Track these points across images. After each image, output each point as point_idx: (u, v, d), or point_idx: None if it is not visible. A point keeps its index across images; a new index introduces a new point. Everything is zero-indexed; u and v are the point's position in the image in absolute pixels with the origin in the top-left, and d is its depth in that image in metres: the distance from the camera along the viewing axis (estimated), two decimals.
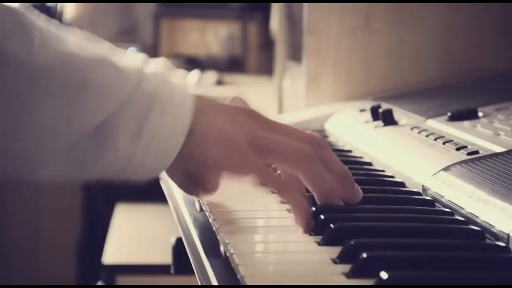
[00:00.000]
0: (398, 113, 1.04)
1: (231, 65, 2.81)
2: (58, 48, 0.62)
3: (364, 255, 0.56)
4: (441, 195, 0.74)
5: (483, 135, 0.86)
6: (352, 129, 1.08)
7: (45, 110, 0.62)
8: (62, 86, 0.61)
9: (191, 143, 0.66)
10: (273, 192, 0.77)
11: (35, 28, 0.64)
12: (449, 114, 0.96)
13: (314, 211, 0.68)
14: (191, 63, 2.72)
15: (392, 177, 0.85)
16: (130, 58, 0.67)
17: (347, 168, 0.71)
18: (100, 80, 0.63)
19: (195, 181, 0.74)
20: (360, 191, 0.72)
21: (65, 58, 0.62)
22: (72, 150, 0.63)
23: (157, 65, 0.68)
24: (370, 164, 0.92)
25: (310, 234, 0.66)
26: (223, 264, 0.63)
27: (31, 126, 0.62)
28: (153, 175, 0.67)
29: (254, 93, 2.34)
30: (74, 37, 0.65)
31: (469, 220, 0.68)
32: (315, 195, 0.70)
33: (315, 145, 0.70)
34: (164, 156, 0.66)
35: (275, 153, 0.68)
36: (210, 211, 0.71)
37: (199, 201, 0.78)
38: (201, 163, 0.68)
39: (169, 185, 0.87)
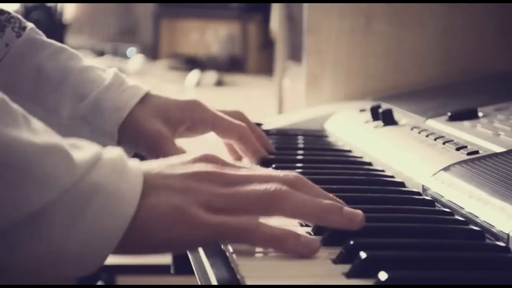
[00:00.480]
0: (398, 113, 1.05)
1: (231, 65, 2.82)
2: (6, 132, 0.59)
3: (364, 255, 0.56)
4: (441, 195, 0.74)
5: (483, 135, 0.86)
6: (352, 129, 1.08)
7: None
8: (2, 172, 0.58)
9: (136, 231, 0.61)
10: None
11: None
12: (449, 114, 0.96)
13: None
14: (191, 63, 2.73)
15: (392, 177, 0.85)
16: (88, 147, 0.63)
17: (331, 196, 0.66)
18: (43, 168, 0.59)
19: None
20: (356, 213, 0.64)
21: (11, 142, 0.59)
22: (3, 235, 0.60)
23: (116, 152, 0.64)
24: (370, 164, 0.92)
25: (310, 234, 0.66)
26: (223, 264, 0.63)
27: None
28: (91, 271, 0.63)
29: (254, 93, 2.35)
30: (35, 122, 0.62)
31: (469, 220, 0.68)
32: (318, 223, 0.66)
33: (290, 184, 0.64)
34: (99, 254, 0.61)
35: (238, 209, 0.63)
36: None
37: None
38: (152, 248, 0.63)
39: None
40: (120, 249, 0.62)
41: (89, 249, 0.61)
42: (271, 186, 0.63)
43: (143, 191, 0.62)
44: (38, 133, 0.61)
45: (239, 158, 0.94)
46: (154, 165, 0.65)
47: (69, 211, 0.60)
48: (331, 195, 0.66)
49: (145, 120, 0.89)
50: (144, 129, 0.89)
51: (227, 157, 0.88)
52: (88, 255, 0.61)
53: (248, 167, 0.67)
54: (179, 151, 0.88)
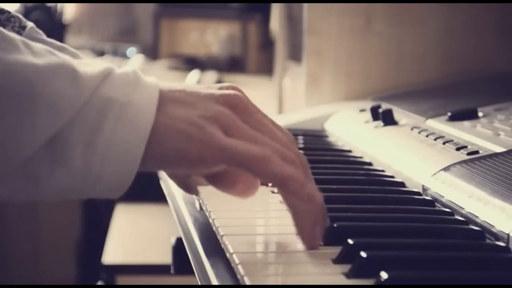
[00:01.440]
0: (398, 113, 1.05)
1: (231, 65, 2.81)
2: (8, 58, 0.58)
3: (364, 255, 0.56)
4: (441, 195, 0.74)
5: (483, 135, 0.86)
6: (352, 129, 1.08)
7: None
8: (8, 100, 0.57)
9: (151, 141, 0.60)
10: (273, 192, 0.78)
11: None
12: (449, 114, 0.96)
13: None
14: (191, 63, 2.72)
15: (392, 177, 0.85)
16: (97, 63, 0.62)
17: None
18: (51, 90, 0.58)
19: (186, 180, 0.70)
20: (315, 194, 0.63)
21: (14, 68, 0.57)
22: (25, 166, 0.58)
23: (129, 67, 0.63)
24: (370, 164, 0.92)
25: None
26: (223, 264, 0.63)
27: None
28: (120, 190, 0.61)
29: (254, 93, 2.34)
30: (37, 45, 0.60)
31: (469, 220, 0.68)
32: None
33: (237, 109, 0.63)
34: (124, 169, 0.59)
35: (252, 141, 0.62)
36: (210, 211, 0.71)
37: (199, 201, 0.78)
38: (161, 160, 0.61)
39: (169, 185, 0.87)
40: (143, 163, 0.60)
41: (114, 165, 0.59)
42: (288, 153, 0.62)
43: (161, 103, 0.60)
44: (41, 55, 0.59)
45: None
46: (167, 83, 0.64)
47: (85, 130, 0.58)
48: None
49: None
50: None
51: None
52: (114, 172, 0.59)
53: (262, 123, 0.65)
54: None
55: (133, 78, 0.61)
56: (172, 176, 0.72)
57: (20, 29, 0.93)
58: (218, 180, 0.68)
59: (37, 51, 0.60)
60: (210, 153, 0.60)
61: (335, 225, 0.64)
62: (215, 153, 0.60)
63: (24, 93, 0.57)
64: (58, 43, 0.97)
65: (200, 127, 0.60)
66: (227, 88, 0.65)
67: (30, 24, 0.95)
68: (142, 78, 0.62)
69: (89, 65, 0.61)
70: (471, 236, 0.65)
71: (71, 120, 0.58)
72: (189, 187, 0.72)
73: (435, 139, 0.89)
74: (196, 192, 0.73)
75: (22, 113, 0.57)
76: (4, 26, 0.92)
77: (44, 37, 0.96)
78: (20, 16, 0.95)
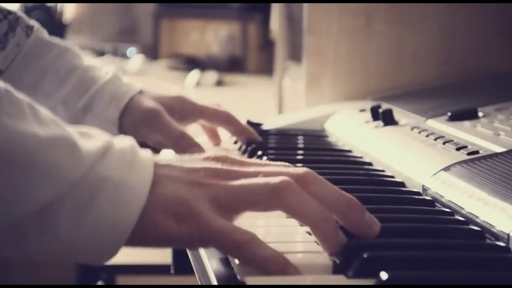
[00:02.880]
0: (398, 113, 1.05)
1: (231, 65, 2.81)
2: (10, 126, 0.58)
3: (364, 255, 0.56)
4: (441, 195, 0.74)
5: (483, 135, 0.86)
6: (352, 129, 1.08)
7: None
8: (5, 166, 0.57)
9: (143, 223, 0.61)
10: None
11: None
12: (449, 114, 0.96)
13: None
14: (191, 63, 2.72)
15: (392, 177, 0.85)
16: (100, 136, 0.62)
17: (350, 197, 0.64)
18: (49, 162, 0.58)
19: None
20: (376, 221, 0.63)
21: (15, 137, 0.58)
22: (12, 230, 0.59)
23: (126, 142, 0.63)
24: (370, 164, 0.92)
25: (310, 234, 0.66)
26: (223, 264, 0.63)
27: None
28: (102, 262, 0.62)
29: (254, 93, 2.35)
30: (42, 112, 0.61)
31: (469, 220, 0.68)
32: (309, 227, 0.63)
33: (298, 181, 0.63)
34: (111, 246, 0.60)
35: (243, 203, 0.62)
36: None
37: None
38: (151, 238, 0.62)
39: None
40: (128, 242, 0.61)
41: (100, 241, 0.60)
42: (276, 179, 0.62)
43: (154, 183, 0.61)
44: (45, 124, 0.60)
45: (218, 144, 1.04)
46: (165, 158, 0.66)
47: (76, 205, 0.59)
48: (347, 194, 0.64)
49: (143, 102, 0.98)
50: (142, 108, 0.97)
51: (208, 145, 1.01)
52: (99, 247, 0.60)
53: (259, 163, 0.66)
54: (175, 122, 0.96)
55: (130, 156, 0.62)
56: None
57: (28, 29, 0.96)
58: None
59: (42, 119, 0.60)
60: (198, 235, 0.61)
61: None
62: (203, 235, 0.60)
63: (22, 161, 0.58)
64: (63, 43, 0.99)
65: (189, 206, 0.61)
66: (210, 157, 0.66)
67: (36, 25, 0.97)
68: (138, 155, 0.62)
69: (89, 137, 0.61)
70: (471, 236, 0.65)
71: (63, 194, 0.59)
72: None
73: (435, 139, 0.89)
74: None
75: (16, 181, 0.58)
76: (14, 27, 0.94)
77: (49, 37, 0.98)
78: (24, 15, 0.97)
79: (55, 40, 1.00)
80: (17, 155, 0.58)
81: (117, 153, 0.61)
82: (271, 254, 0.59)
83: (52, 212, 0.59)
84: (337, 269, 0.58)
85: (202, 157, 0.66)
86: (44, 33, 1.00)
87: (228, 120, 1.02)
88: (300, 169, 0.64)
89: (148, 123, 0.96)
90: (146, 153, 0.63)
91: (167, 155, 0.65)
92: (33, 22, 0.98)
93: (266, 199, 0.62)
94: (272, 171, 0.64)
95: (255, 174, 0.63)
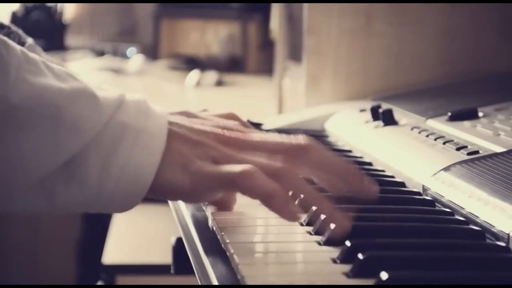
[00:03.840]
0: (398, 113, 1.05)
1: (231, 65, 2.81)
2: (34, 82, 0.61)
3: (364, 255, 0.56)
4: (441, 195, 0.74)
5: (483, 135, 0.86)
6: (352, 129, 1.08)
7: (16, 144, 0.61)
8: (34, 121, 0.60)
9: (160, 171, 0.64)
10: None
11: (12, 60, 0.62)
12: (449, 114, 0.96)
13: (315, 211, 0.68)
14: (191, 63, 2.72)
15: (392, 177, 0.85)
16: (111, 89, 0.66)
17: (348, 164, 0.69)
18: (74, 113, 0.61)
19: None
20: (374, 185, 0.70)
21: (41, 91, 0.61)
22: (43, 182, 0.62)
23: (137, 95, 0.67)
24: (370, 164, 0.92)
25: (310, 234, 0.66)
26: (223, 264, 0.63)
27: (2, 161, 0.61)
28: (130, 207, 0.65)
29: (254, 93, 2.34)
30: (56, 67, 0.64)
31: (469, 220, 0.68)
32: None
33: (299, 152, 0.67)
34: (136, 189, 0.64)
35: None
36: (210, 212, 0.71)
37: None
38: (159, 189, 0.65)
39: None
40: (151, 189, 0.64)
41: (127, 187, 0.63)
42: (274, 164, 0.65)
43: (168, 134, 0.65)
44: (63, 78, 0.63)
45: None
46: (174, 115, 0.68)
47: (102, 152, 0.62)
48: (345, 161, 0.69)
49: None
50: None
51: None
52: (126, 193, 0.63)
53: (260, 133, 0.71)
54: None
55: (144, 106, 0.65)
56: None
57: (20, 45, 0.93)
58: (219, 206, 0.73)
59: (59, 74, 0.63)
60: (198, 182, 0.65)
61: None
62: (202, 180, 0.64)
63: (50, 115, 0.61)
64: (40, 60, 0.97)
65: (191, 161, 0.65)
66: (226, 116, 0.72)
67: (29, 41, 0.96)
68: (151, 107, 0.66)
69: (103, 90, 0.64)
70: (471, 236, 0.65)
71: (89, 143, 0.61)
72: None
73: (435, 139, 0.89)
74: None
75: (46, 133, 0.60)
76: None
77: (43, 54, 0.97)
78: (20, 31, 0.95)
79: (49, 58, 0.98)
80: (46, 109, 0.61)
81: (132, 103, 0.65)
82: (273, 189, 0.63)
83: (79, 161, 0.61)
84: (338, 268, 0.58)
85: (214, 114, 0.70)
86: (37, 51, 0.97)
87: None
88: (300, 139, 0.68)
89: None
90: (158, 107, 0.66)
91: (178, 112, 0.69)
92: (28, 40, 0.96)
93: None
94: (273, 144, 0.68)
95: (257, 146, 0.68)
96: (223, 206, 0.72)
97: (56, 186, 0.62)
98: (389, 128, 1.01)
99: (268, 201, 0.64)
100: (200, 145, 0.66)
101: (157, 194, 0.66)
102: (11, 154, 0.61)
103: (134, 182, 0.63)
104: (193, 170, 0.65)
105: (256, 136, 0.69)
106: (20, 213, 0.65)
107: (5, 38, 0.63)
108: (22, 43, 0.93)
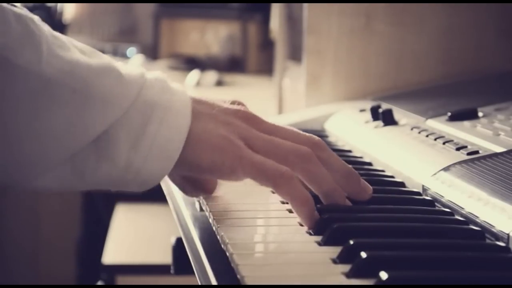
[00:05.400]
0: (398, 113, 1.04)
1: (231, 65, 2.81)
2: (65, 57, 0.62)
3: (364, 255, 0.56)
4: (441, 195, 0.74)
5: (483, 135, 0.86)
6: (352, 129, 1.08)
7: (49, 119, 0.61)
8: (67, 96, 0.61)
9: (187, 149, 0.66)
10: (273, 192, 0.78)
11: (43, 36, 0.63)
12: (449, 114, 0.96)
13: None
14: (191, 63, 2.72)
15: (392, 177, 0.85)
16: (131, 65, 0.67)
17: (349, 166, 0.71)
18: (104, 89, 0.63)
19: (194, 183, 0.74)
20: (369, 186, 0.72)
21: (71, 66, 0.62)
22: (73, 159, 0.63)
23: (156, 73, 0.68)
24: (370, 164, 0.92)
25: (310, 234, 0.66)
26: (223, 264, 0.63)
27: (34, 134, 0.61)
28: (152, 184, 0.67)
29: (254, 93, 2.34)
30: (78, 44, 0.65)
31: (469, 220, 0.68)
32: (319, 196, 0.70)
33: (313, 146, 0.70)
34: (162, 166, 0.65)
35: (271, 154, 0.68)
36: (210, 211, 0.71)
37: (199, 201, 0.78)
38: (196, 168, 0.67)
39: (169, 185, 0.87)
40: (174, 168, 0.66)
41: (154, 163, 0.64)
42: (303, 148, 0.68)
43: (192, 112, 0.67)
44: (89, 54, 0.64)
45: None
46: (197, 95, 0.70)
47: (131, 128, 0.63)
48: (346, 164, 0.71)
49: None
50: None
51: None
52: (153, 169, 0.65)
53: (278, 126, 0.72)
54: None
55: (166, 84, 0.67)
56: (172, 180, 0.74)
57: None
58: (202, 187, 0.74)
59: (84, 50, 0.65)
60: (241, 167, 0.66)
61: (335, 225, 0.64)
62: (246, 167, 0.66)
63: (80, 90, 0.62)
64: (64, 37, 0.97)
65: (230, 141, 0.67)
66: (236, 103, 0.72)
67: (35, 18, 0.95)
68: (172, 85, 0.68)
69: (125, 66, 0.66)
70: (471, 236, 0.65)
71: (118, 119, 0.63)
72: (188, 191, 0.76)
73: (435, 139, 0.89)
74: (195, 195, 0.76)
75: (77, 109, 0.61)
76: None
77: (51, 30, 0.96)
78: (25, 10, 0.95)
79: (56, 33, 0.98)
80: (77, 84, 0.62)
81: (155, 82, 0.66)
82: (305, 197, 0.66)
83: (109, 138, 0.63)
84: (337, 268, 0.58)
85: (230, 103, 0.71)
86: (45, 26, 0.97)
87: None
88: (314, 136, 0.71)
89: None
90: (177, 85, 0.68)
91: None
92: (34, 17, 0.96)
93: (291, 162, 0.67)
94: (294, 133, 0.71)
95: (280, 130, 0.70)
96: (209, 189, 0.74)
97: (86, 163, 0.63)
98: (389, 128, 1.01)
99: (299, 207, 0.66)
100: (228, 124, 0.68)
101: (190, 171, 0.68)
102: (43, 128, 0.61)
103: (161, 159, 0.64)
104: (236, 153, 0.66)
105: (273, 123, 0.71)
106: (49, 189, 0.65)
107: (32, 15, 0.64)
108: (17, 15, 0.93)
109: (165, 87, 0.67)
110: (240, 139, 0.67)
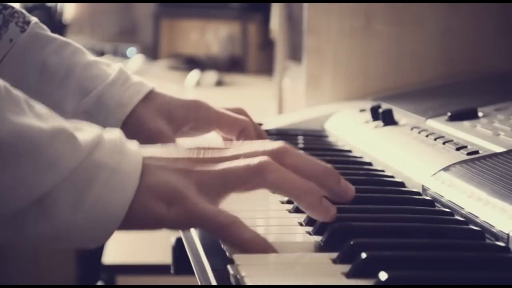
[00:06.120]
0: (398, 113, 1.05)
1: (231, 65, 2.81)
2: (13, 120, 0.61)
3: (364, 255, 0.56)
4: (441, 195, 0.74)
5: (483, 135, 0.86)
6: (352, 129, 1.08)
7: None
8: (13, 158, 0.61)
9: (135, 208, 0.64)
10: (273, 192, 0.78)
11: None
12: (449, 114, 0.96)
13: None
14: (191, 63, 2.72)
15: (392, 177, 0.85)
16: (90, 129, 0.66)
17: (326, 165, 0.69)
18: (53, 152, 0.62)
19: None
20: (351, 187, 0.70)
21: (20, 130, 0.61)
22: (13, 217, 0.62)
23: (114, 133, 0.67)
24: (370, 164, 0.92)
25: (310, 234, 0.66)
26: (223, 264, 0.63)
27: None
28: (99, 243, 0.65)
29: (254, 93, 2.35)
30: (37, 106, 0.64)
31: (469, 220, 0.68)
32: (295, 201, 0.68)
33: (275, 155, 0.67)
34: (105, 228, 0.64)
35: (227, 185, 0.66)
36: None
37: None
38: (147, 224, 0.66)
39: None
40: (121, 225, 0.64)
41: (96, 224, 0.63)
42: (255, 160, 0.65)
43: (143, 170, 0.65)
44: (44, 118, 0.63)
45: None
46: (149, 149, 0.68)
47: (75, 189, 0.62)
48: (322, 162, 0.69)
49: (148, 119, 0.91)
50: (146, 128, 0.90)
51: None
52: (95, 230, 0.63)
53: (235, 145, 0.70)
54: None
55: (119, 145, 0.65)
56: None
57: (24, 25, 0.93)
58: None
59: (40, 113, 0.64)
60: (186, 217, 0.64)
61: (335, 225, 0.64)
62: (190, 217, 0.64)
63: (29, 153, 0.61)
64: (62, 38, 0.97)
65: (178, 192, 0.65)
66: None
67: (34, 20, 0.95)
68: (126, 145, 0.66)
69: (82, 130, 0.65)
70: (471, 236, 0.65)
71: (63, 180, 0.62)
72: None
73: (435, 139, 0.89)
74: None
75: (24, 170, 0.61)
76: (8, 22, 0.93)
77: (48, 32, 0.96)
78: (24, 11, 0.95)
79: (54, 35, 0.95)
80: (25, 147, 0.61)
81: (109, 143, 0.65)
82: (251, 236, 0.63)
83: (52, 198, 0.62)
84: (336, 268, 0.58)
85: (184, 148, 0.69)
86: (44, 28, 0.96)
87: (245, 132, 0.92)
88: (275, 144, 0.68)
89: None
90: (133, 145, 0.66)
91: (149, 147, 0.68)
92: (33, 18, 0.95)
93: (248, 180, 0.65)
94: (250, 152, 0.67)
95: (235, 157, 0.67)
96: None
97: (27, 221, 0.62)
98: (389, 128, 1.01)
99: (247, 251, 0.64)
100: (179, 171, 0.66)
101: (138, 228, 0.66)
102: None
103: (105, 219, 0.63)
104: (180, 205, 0.64)
105: (231, 150, 0.68)
106: None
107: None
108: (27, 22, 0.93)
109: (117, 148, 0.65)
110: (193, 185, 0.65)
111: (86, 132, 0.65)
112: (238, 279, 0.57)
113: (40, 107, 0.64)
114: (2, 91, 0.62)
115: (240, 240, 0.63)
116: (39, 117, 0.63)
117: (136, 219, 0.64)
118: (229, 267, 0.60)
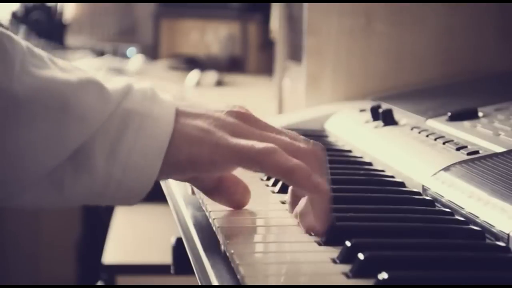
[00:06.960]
0: (398, 113, 1.04)
1: (231, 65, 2.81)
2: (39, 74, 0.61)
3: (364, 255, 0.56)
4: (441, 195, 0.74)
5: (483, 135, 0.86)
6: (352, 129, 1.08)
7: (25, 137, 0.61)
8: (41, 113, 0.60)
9: (169, 152, 0.64)
10: (274, 192, 0.78)
11: (17, 53, 0.62)
12: (449, 114, 0.96)
13: None
14: (191, 63, 2.72)
15: (392, 177, 0.85)
16: (119, 79, 0.66)
17: (297, 162, 0.65)
18: (81, 103, 0.61)
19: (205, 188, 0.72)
20: (323, 182, 0.66)
21: (46, 83, 0.61)
22: (51, 176, 0.62)
23: (145, 83, 0.67)
24: (370, 164, 0.92)
25: (310, 234, 0.66)
26: (223, 264, 0.63)
27: (10, 154, 0.61)
28: (138, 197, 0.64)
29: (254, 93, 2.34)
30: (61, 61, 0.64)
31: (469, 220, 0.68)
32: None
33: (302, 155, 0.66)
34: (144, 175, 0.63)
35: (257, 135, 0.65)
36: (210, 211, 0.71)
37: (191, 187, 0.78)
38: (177, 165, 0.65)
39: (169, 185, 0.87)
40: (159, 174, 0.63)
41: (134, 174, 0.62)
42: (298, 143, 0.66)
43: (176, 116, 0.64)
44: (69, 71, 0.63)
45: None
46: (198, 95, 0.69)
47: (107, 141, 0.62)
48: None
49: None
50: None
51: None
52: (134, 181, 0.62)
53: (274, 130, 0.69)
54: None
55: (150, 93, 0.65)
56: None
57: None
58: (217, 193, 0.71)
59: (64, 67, 0.64)
60: (219, 154, 0.63)
61: (336, 225, 0.64)
62: (224, 153, 0.63)
63: (58, 106, 0.61)
64: (45, 54, 0.96)
65: (210, 132, 0.64)
66: (237, 108, 0.69)
67: (12, 35, 0.94)
68: (158, 94, 0.66)
69: (111, 80, 0.64)
70: (471, 236, 0.65)
71: (95, 132, 0.61)
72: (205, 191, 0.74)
73: (435, 139, 0.89)
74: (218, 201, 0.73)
75: (54, 125, 0.60)
76: None
77: (31, 48, 0.95)
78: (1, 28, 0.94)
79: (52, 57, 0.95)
80: (53, 100, 0.61)
81: (139, 91, 0.64)
82: (296, 163, 0.62)
83: (86, 150, 0.61)
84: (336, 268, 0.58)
85: (225, 110, 0.68)
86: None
87: None
88: (312, 145, 0.69)
89: None
90: (166, 95, 0.66)
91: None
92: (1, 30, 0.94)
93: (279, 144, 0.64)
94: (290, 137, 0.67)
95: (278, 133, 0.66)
96: (224, 195, 0.71)
97: (64, 177, 0.62)
98: (389, 128, 1.01)
99: (290, 176, 0.63)
100: (217, 119, 0.65)
101: (173, 173, 0.66)
102: (18, 146, 0.60)
103: (142, 167, 0.62)
104: (213, 141, 0.63)
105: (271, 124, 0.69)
106: (30, 207, 0.64)
107: (10, 32, 0.63)
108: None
109: (148, 96, 0.65)
110: (226, 131, 0.64)
111: (115, 82, 0.64)
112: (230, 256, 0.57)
113: (64, 62, 0.64)
114: (24, 48, 0.62)
115: (286, 167, 0.62)
116: (65, 70, 0.63)
117: (173, 163, 0.63)
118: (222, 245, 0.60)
